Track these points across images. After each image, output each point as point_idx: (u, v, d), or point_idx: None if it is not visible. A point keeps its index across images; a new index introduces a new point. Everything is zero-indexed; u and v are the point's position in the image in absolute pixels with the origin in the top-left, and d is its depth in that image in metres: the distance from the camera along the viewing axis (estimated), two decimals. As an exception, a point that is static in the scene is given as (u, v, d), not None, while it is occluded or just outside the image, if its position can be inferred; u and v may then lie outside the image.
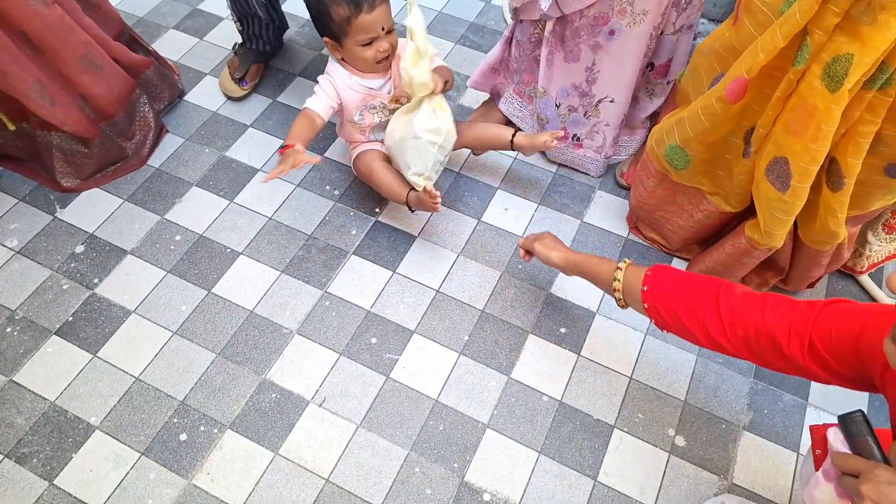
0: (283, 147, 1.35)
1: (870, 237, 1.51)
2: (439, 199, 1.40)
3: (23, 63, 1.44)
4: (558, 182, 1.74)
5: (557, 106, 1.59)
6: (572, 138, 1.66)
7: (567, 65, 1.50)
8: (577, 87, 1.54)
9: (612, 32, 1.40)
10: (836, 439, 0.76)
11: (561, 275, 1.58)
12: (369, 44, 1.34)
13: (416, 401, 1.39)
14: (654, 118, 1.71)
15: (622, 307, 1.18)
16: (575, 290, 1.55)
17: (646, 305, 1.09)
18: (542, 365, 1.45)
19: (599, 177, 1.74)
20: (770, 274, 1.47)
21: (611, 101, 1.55)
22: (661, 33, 1.47)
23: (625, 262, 1.18)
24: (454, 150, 1.54)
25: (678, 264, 1.60)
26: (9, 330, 1.48)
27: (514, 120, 1.76)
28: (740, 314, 0.96)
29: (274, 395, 1.40)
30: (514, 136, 1.55)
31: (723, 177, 1.30)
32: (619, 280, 1.15)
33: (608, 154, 1.67)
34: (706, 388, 1.42)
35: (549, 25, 1.44)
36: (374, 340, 1.47)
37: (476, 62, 1.99)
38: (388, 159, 1.56)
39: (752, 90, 1.11)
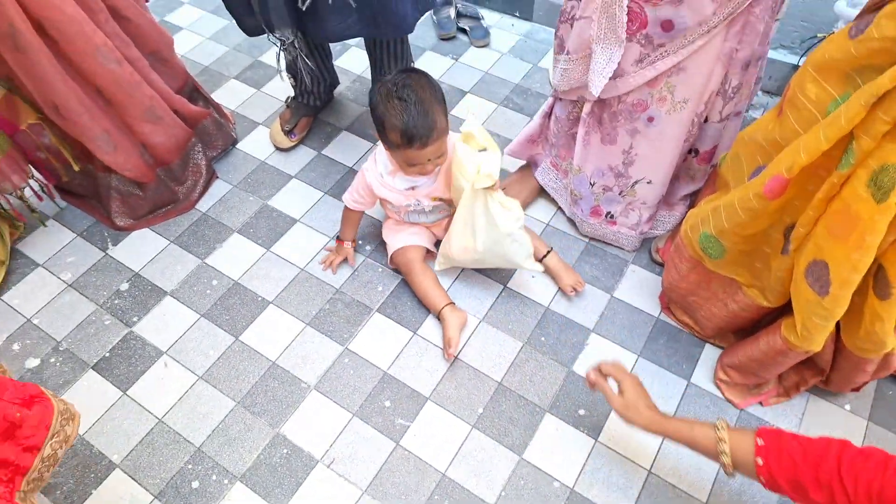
0: (338, 238, 1.61)
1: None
2: (452, 351, 1.48)
3: (94, 114, 1.55)
4: (590, 252, 1.70)
5: (591, 184, 1.57)
6: (605, 216, 1.63)
7: (604, 146, 1.48)
8: (612, 169, 1.51)
9: (650, 119, 1.37)
10: None
11: (585, 351, 1.54)
12: (414, 165, 1.39)
13: (423, 472, 1.38)
14: (694, 195, 1.65)
15: (730, 476, 1.04)
16: (598, 369, 1.50)
17: (762, 479, 0.98)
18: (556, 447, 1.40)
19: (634, 251, 1.70)
20: (809, 374, 1.37)
21: (648, 183, 1.51)
22: (706, 120, 1.43)
23: (722, 426, 1.04)
24: None
25: (710, 351, 1.52)
26: (52, 360, 1.57)
27: (549, 191, 1.74)
28: (863, 478, 0.86)
29: (285, 451, 1.42)
30: (546, 254, 1.60)
31: (761, 269, 1.24)
32: (726, 454, 1.02)
33: (643, 230, 1.63)
34: (730, 493, 1.34)
35: (587, 107, 1.42)
36: (387, 404, 1.47)
37: (517, 124, 2.00)
38: (425, 257, 1.61)
39: (794, 186, 1.06)
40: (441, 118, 1.34)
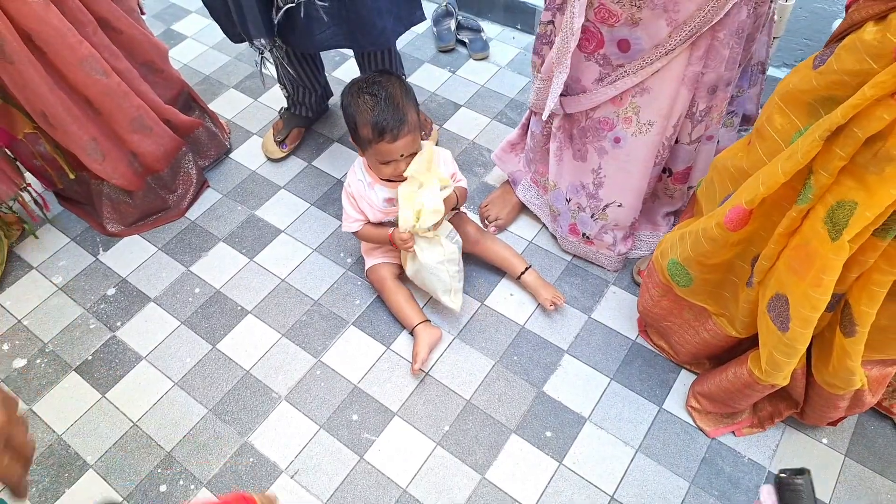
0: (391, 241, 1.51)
1: (911, 375, 1.34)
2: (417, 367, 1.48)
3: (82, 123, 1.59)
4: (571, 272, 1.68)
5: (567, 200, 1.55)
6: (582, 236, 1.61)
7: (575, 162, 1.46)
8: (584, 187, 1.50)
9: (616, 140, 1.36)
10: (767, 499, 0.70)
11: (557, 373, 1.51)
12: (388, 162, 1.39)
13: (384, 487, 1.37)
14: (676, 214, 1.62)
15: None
16: (569, 390, 1.48)
17: None
18: (520, 468, 1.38)
19: (616, 271, 1.67)
20: (784, 405, 1.33)
21: (619, 206, 1.49)
22: (677, 142, 1.41)
23: None
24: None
25: (685, 377, 1.49)
26: (38, 361, 1.62)
27: (531, 207, 1.73)
28: None
29: (251, 460, 1.43)
30: (524, 271, 1.60)
31: (728, 299, 1.21)
32: None
33: (621, 251, 1.60)
34: (693, 522, 1.30)
35: (557, 121, 1.41)
36: (355, 417, 1.47)
37: (509, 139, 1.99)
38: (400, 275, 1.62)
39: (759, 217, 1.03)
40: (412, 112, 1.35)
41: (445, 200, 1.42)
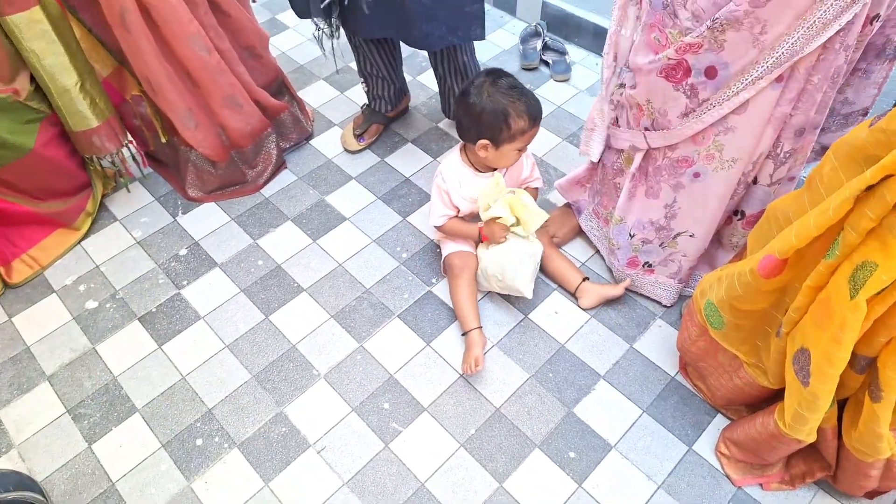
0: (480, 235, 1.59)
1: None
2: (479, 369, 1.51)
3: (181, 93, 1.73)
4: (620, 300, 1.68)
5: (631, 236, 1.55)
6: (643, 265, 1.60)
7: (647, 200, 1.47)
8: (653, 223, 1.50)
9: (696, 174, 1.35)
10: None
11: (590, 396, 1.52)
12: (520, 150, 1.48)
13: (403, 478, 1.41)
14: (735, 262, 1.60)
15: None
16: (599, 415, 1.48)
17: None
18: (538, 484, 1.39)
19: (671, 305, 1.65)
20: (817, 466, 1.29)
21: (690, 236, 1.48)
22: (756, 182, 1.39)
23: None
24: None
25: (720, 421, 1.46)
26: (108, 305, 1.75)
27: (591, 237, 1.75)
28: None
29: (284, 429, 1.50)
30: (582, 282, 1.65)
31: (761, 348, 1.19)
32: None
33: (684, 279, 1.59)
34: (706, 569, 1.27)
35: (637, 161, 1.42)
36: (386, 406, 1.52)
37: (576, 162, 2.00)
38: (474, 271, 1.65)
39: (793, 268, 1.02)
40: None
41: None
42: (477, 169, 1.57)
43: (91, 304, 1.75)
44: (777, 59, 1.10)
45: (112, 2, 1.52)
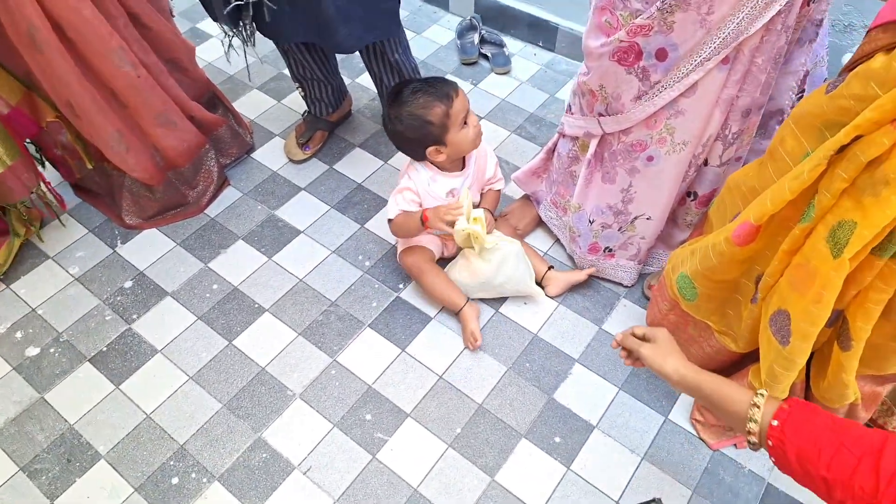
0: (423, 223, 1.52)
1: (908, 397, 1.39)
2: (478, 344, 1.57)
3: (107, 114, 1.62)
4: (584, 284, 1.72)
5: (591, 222, 1.59)
6: (603, 250, 1.65)
7: (604, 185, 1.51)
8: (611, 207, 1.54)
9: (650, 158, 1.40)
10: None
11: (567, 381, 1.55)
12: (466, 123, 1.47)
13: (395, 486, 1.39)
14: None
15: (754, 450, 0.88)
16: (578, 398, 1.52)
17: (770, 444, 0.82)
18: (528, 472, 1.41)
19: (631, 285, 1.71)
20: (786, 420, 1.37)
21: (647, 219, 1.54)
22: (706, 164, 1.45)
23: (762, 394, 0.86)
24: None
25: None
26: (52, 350, 1.63)
27: (551, 227, 1.78)
28: None
29: (265, 455, 1.45)
30: (548, 270, 1.69)
31: (732, 317, 1.25)
32: (755, 421, 0.84)
33: (641, 260, 1.65)
34: (699, 532, 1.33)
35: (592, 147, 1.46)
36: (368, 417, 1.50)
37: (527, 153, 2.03)
38: (433, 259, 1.67)
39: (765, 236, 1.08)
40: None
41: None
42: (443, 169, 1.56)
43: (32, 351, 1.63)
44: (723, 39, 1.16)
45: (17, 20, 1.39)
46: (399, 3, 1.65)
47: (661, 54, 1.22)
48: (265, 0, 1.49)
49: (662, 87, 1.27)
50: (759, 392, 0.86)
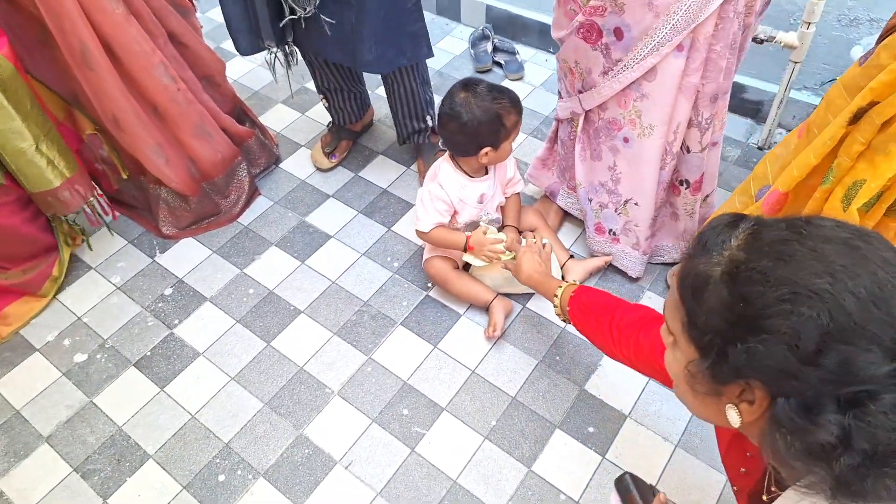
0: (466, 248, 1.63)
1: None
2: (496, 334, 1.63)
3: (149, 127, 1.70)
4: (609, 278, 1.76)
5: (590, 200, 1.68)
6: (609, 233, 1.72)
7: (593, 162, 1.60)
8: (603, 185, 1.62)
9: (626, 139, 1.49)
10: (615, 500, 0.95)
11: (597, 372, 1.59)
12: (514, 139, 1.57)
13: (435, 478, 1.44)
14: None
15: (563, 321, 1.38)
16: (609, 389, 1.56)
17: (567, 308, 1.30)
18: (564, 462, 1.45)
19: (638, 278, 1.75)
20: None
21: (636, 204, 1.60)
22: (689, 151, 1.51)
23: (569, 284, 1.35)
24: None
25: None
26: (98, 356, 1.70)
27: (573, 212, 1.85)
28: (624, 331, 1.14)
29: (307, 451, 1.50)
30: (567, 260, 1.75)
31: None
32: (557, 305, 1.35)
33: (645, 251, 1.69)
34: (734, 514, 1.36)
35: (580, 123, 1.55)
36: (405, 412, 1.54)
37: (545, 155, 2.09)
38: (457, 266, 1.73)
39: (793, 205, 1.12)
40: None
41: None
42: (469, 175, 1.61)
43: (80, 358, 1.70)
44: (674, 25, 1.24)
45: (71, 41, 1.48)
46: (424, 25, 1.69)
47: (618, 33, 1.32)
48: (322, 16, 1.56)
49: (625, 66, 1.36)
50: (557, 292, 1.34)
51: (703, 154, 1.51)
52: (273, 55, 1.72)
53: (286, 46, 1.70)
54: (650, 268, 1.78)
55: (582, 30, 1.38)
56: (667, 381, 0.95)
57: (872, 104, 0.92)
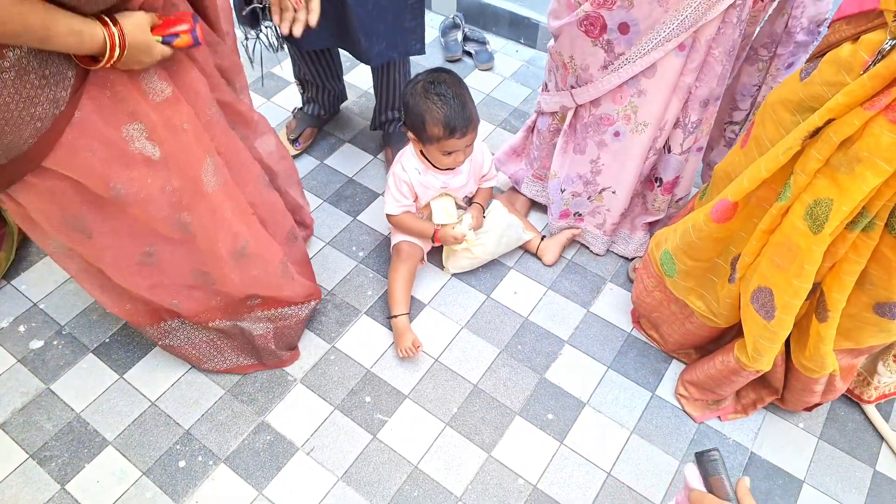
0: (434, 237, 1.65)
1: (879, 367, 1.48)
2: (420, 349, 1.60)
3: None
4: (571, 270, 1.80)
5: (562, 191, 1.70)
6: (573, 215, 1.76)
7: (575, 156, 1.61)
8: (581, 177, 1.65)
9: (616, 133, 1.51)
10: (692, 475, 0.77)
11: (558, 361, 1.62)
12: (449, 154, 1.51)
13: (396, 464, 1.46)
14: (653, 226, 1.76)
15: None
16: (568, 377, 1.59)
17: None
18: (523, 448, 1.48)
19: (600, 255, 1.81)
20: (766, 392, 1.46)
21: (613, 192, 1.64)
22: (670, 151, 1.54)
23: None
24: None
25: (675, 366, 1.61)
26: (55, 343, 1.67)
27: (537, 199, 1.88)
28: None
29: (268, 437, 1.50)
30: (540, 242, 1.78)
31: (709, 299, 1.33)
32: None
33: (608, 232, 1.74)
34: (684, 497, 1.41)
35: (569, 118, 1.56)
36: (368, 399, 1.56)
37: (512, 146, 2.11)
38: (419, 258, 1.74)
39: (742, 217, 1.15)
40: (475, 110, 1.49)
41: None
42: (430, 163, 1.62)
43: (36, 344, 1.66)
44: (681, 21, 1.26)
45: (196, 158, 1.17)
46: (423, 22, 1.67)
47: (623, 28, 1.32)
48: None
49: (627, 59, 1.36)
50: None
51: (682, 157, 1.54)
52: (254, 40, 1.68)
53: (259, 31, 1.66)
54: (612, 259, 1.82)
55: (585, 22, 1.34)
56: None
57: (829, 122, 0.94)
